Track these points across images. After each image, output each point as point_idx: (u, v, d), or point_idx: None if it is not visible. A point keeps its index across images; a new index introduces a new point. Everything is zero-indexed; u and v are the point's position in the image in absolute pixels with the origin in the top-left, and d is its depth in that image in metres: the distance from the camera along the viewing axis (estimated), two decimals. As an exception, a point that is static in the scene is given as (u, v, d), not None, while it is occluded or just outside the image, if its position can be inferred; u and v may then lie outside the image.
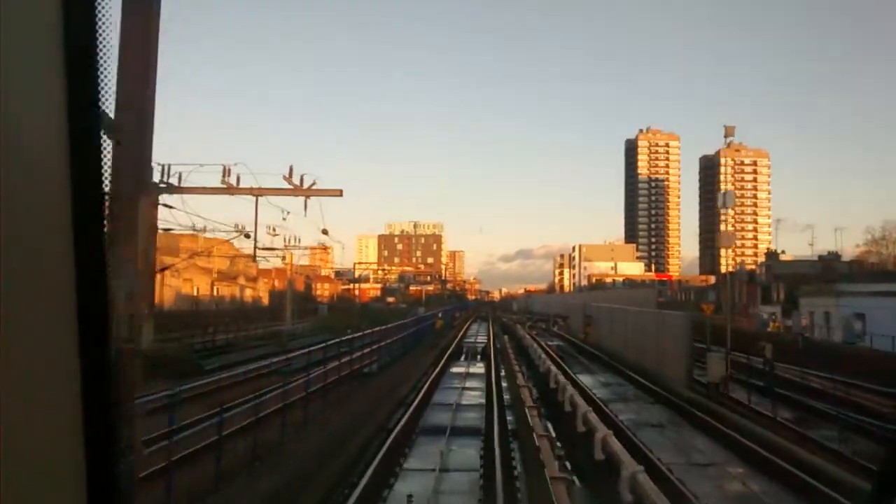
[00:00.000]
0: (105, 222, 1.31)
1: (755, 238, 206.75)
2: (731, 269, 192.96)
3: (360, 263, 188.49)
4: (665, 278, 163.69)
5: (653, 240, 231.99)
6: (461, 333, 56.92)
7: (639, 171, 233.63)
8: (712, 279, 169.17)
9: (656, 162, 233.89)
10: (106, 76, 1.33)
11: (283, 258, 54.08)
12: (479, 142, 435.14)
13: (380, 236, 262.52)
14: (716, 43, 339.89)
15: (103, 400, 1.29)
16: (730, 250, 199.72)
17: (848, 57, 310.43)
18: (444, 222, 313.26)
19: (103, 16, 1.30)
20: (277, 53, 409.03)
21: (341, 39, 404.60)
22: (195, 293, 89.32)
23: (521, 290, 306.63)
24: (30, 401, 1.19)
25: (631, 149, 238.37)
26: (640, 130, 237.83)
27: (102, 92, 1.31)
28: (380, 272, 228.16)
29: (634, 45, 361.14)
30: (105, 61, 1.31)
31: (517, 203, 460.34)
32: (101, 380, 1.28)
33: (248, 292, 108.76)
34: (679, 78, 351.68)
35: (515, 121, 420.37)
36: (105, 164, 1.32)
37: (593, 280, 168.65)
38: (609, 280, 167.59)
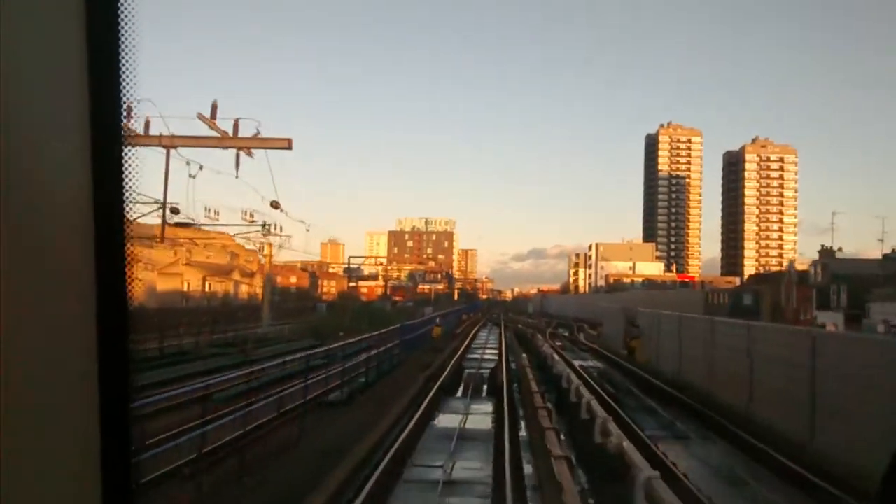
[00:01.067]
0: (125, 222, 1.32)
1: (780, 238, 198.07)
2: (757, 270, 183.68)
3: (368, 258, 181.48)
4: (687, 279, 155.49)
5: (672, 239, 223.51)
6: (465, 345, 42.99)
7: (659, 168, 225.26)
8: (737, 280, 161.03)
9: (677, 158, 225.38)
10: (127, 76, 1.32)
11: (261, 249, 46.79)
12: (492, 138, 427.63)
13: (390, 232, 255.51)
14: (741, 35, 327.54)
15: (120, 399, 1.30)
16: (755, 251, 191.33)
17: (881, 50, 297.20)
18: (455, 219, 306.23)
19: (125, 17, 1.30)
20: (286, 43, 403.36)
21: (352, 30, 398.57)
22: (186, 289, 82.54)
23: (534, 290, 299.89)
24: (48, 399, 1.20)
25: (651, 144, 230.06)
26: (661, 125, 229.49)
27: (123, 91, 1.31)
28: (389, 269, 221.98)
29: (656, 37, 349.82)
30: (126, 63, 1.31)
31: (531, 201, 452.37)
32: (117, 379, 1.29)
33: (244, 289, 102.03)
34: (703, 71, 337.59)
35: (530, 116, 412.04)
36: (126, 163, 1.33)
37: (611, 280, 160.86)
38: (627, 280, 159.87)
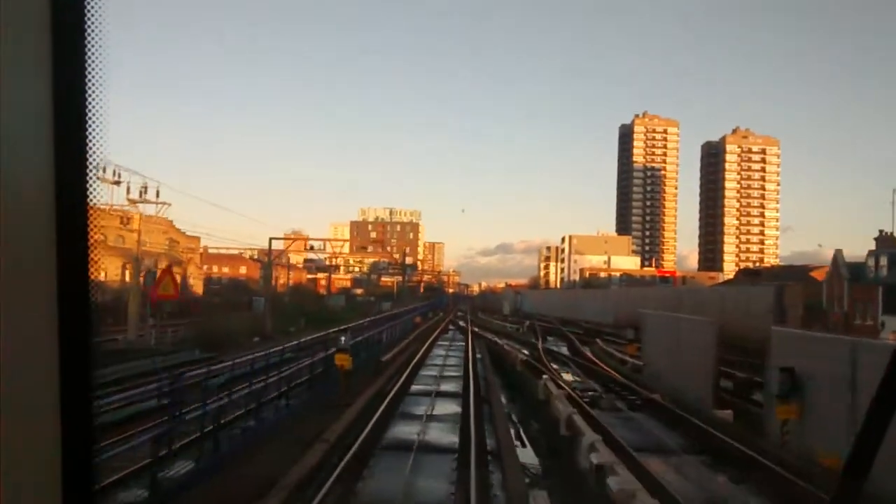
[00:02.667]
0: (88, 216, 1.30)
1: (762, 234, 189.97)
2: (737, 265, 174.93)
3: (329, 240, 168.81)
4: (668, 274, 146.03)
5: (647, 233, 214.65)
6: (405, 376, 25.94)
7: (634, 160, 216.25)
8: (719, 276, 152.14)
9: (653, 150, 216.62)
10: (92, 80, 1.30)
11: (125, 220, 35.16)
12: (458, 128, 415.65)
13: (352, 223, 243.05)
14: (720, 22, 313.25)
15: (82, 396, 1.28)
16: (734, 246, 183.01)
17: (867, 36, 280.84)
18: (421, 210, 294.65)
19: (91, 19, 1.29)
20: (241, 28, 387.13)
21: (310, 11, 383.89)
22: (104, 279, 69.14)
23: (502, 284, 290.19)
24: (9, 395, 1.19)
25: (626, 135, 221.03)
26: (636, 115, 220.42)
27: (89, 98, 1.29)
28: (352, 261, 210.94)
29: (631, 23, 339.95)
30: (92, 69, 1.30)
31: (499, 195, 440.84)
32: (80, 376, 1.27)
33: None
34: (680, 60, 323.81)
35: (499, 106, 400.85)
36: (90, 162, 1.31)
37: (586, 274, 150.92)
38: (604, 275, 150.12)
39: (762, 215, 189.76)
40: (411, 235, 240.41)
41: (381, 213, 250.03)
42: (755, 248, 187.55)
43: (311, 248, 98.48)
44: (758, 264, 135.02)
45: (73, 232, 1.25)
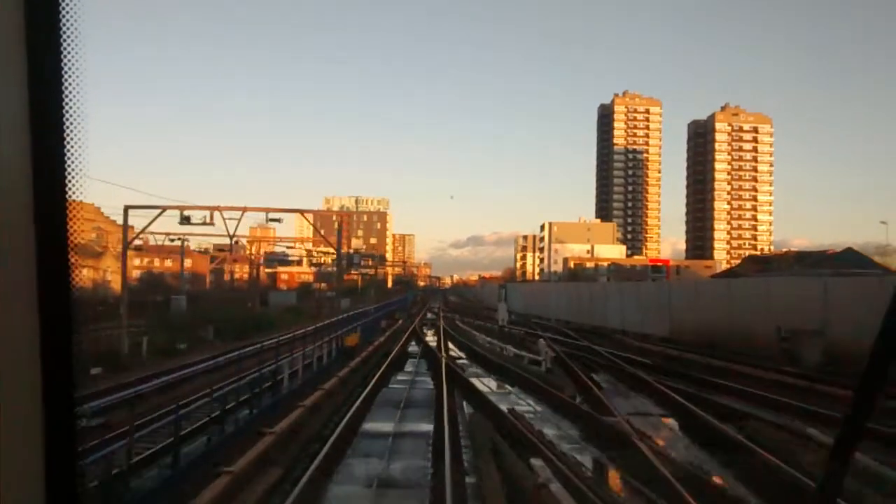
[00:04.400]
0: (68, 219, 1.29)
1: (754, 219, 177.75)
2: (728, 253, 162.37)
3: (295, 240, 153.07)
4: (661, 263, 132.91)
5: (629, 220, 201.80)
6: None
7: (614, 142, 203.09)
8: (715, 264, 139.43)
9: (634, 131, 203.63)
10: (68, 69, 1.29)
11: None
12: (426, 116, 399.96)
13: (315, 212, 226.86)
14: None
15: (65, 400, 1.27)
16: (725, 233, 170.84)
17: (864, 7, 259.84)
18: (389, 198, 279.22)
19: (67, 22, 1.29)
20: (207, 13, 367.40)
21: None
22: None
23: (475, 277, 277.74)
24: None
25: (605, 116, 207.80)
26: (616, 95, 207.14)
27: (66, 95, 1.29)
28: (315, 253, 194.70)
29: None
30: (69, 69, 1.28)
31: (470, 186, 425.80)
32: (62, 379, 1.26)
33: (87, 273, 73.37)
34: (663, 33, 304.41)
35: (466, 90, 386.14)
36: (69, 162, 1.30)
37: (570, 265, 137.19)
38: (591, 265, 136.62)
39: (755, 199, 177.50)
40: (379, 225, 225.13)
41: (346, 202, 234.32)
42: (747, 234, 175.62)
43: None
44: (765, 251, 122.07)
45: (52, 236, 1.22)
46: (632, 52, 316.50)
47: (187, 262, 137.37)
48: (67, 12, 1.25)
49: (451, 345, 33.11)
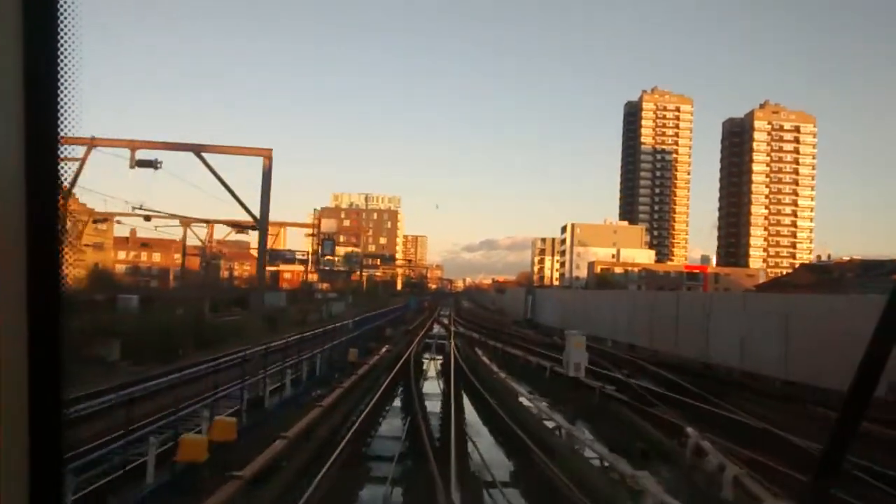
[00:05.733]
0: (60, 217, 1.28)
1: (794, 225, 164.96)
2: (765, 261, 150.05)
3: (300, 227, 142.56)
4: (697, 270, 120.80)
5: (654, 224, 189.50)
6: None
7: (642, 141, 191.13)
8: (758, 273, 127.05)
9: (663, 130, 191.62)
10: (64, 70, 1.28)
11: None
12: (442, 115, 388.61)
13: (323, 209, 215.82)
14: None
15: (52, 401, 1.26)
16: (762, 240, 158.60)
17: None
18: (400, 196, 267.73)
19: (64, 13, 1.28)
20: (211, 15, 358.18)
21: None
22: None
23: (489, 281, 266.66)
24: None
25: (632, 114, 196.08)
26: (645, 92, 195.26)
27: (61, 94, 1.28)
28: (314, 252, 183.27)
29: None
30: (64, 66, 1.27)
31: (485, 189, 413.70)
32: (50, 379, 1.25)
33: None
34: (695, 25, 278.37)
35: (484, 87, 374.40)
36: (58, 168, 1.29)
37: (597, 269, 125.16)
38: (619, 270, 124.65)
39: (795, 203, 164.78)
40: (389, 224, 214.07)
41: (356, 199, 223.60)
42: (786, 241, 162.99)
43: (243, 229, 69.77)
44: (822, 258, 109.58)
45: (43, 234, 1.22)
46: (661, 46, 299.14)
47: (176, 257, 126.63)
48: (65, 17, 1.23)
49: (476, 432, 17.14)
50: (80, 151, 38.23)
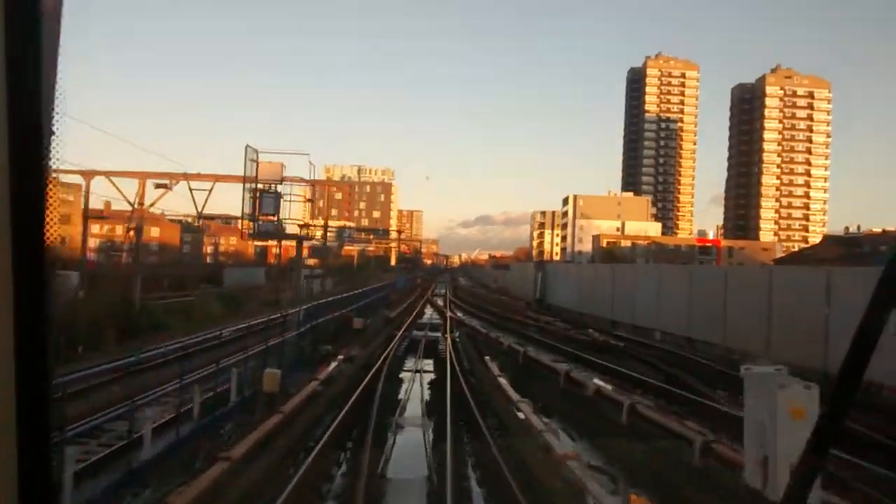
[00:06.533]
0: (45, 199, 1.26)
1: (806, 196, 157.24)
2: (776, 234, 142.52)
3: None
4: (710, 243, 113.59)
5: (658, 195, 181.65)
6: None
7: (646, 109, 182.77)
8: (775, 245, 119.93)
9: (668, 97, 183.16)
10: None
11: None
12: (437, 85, 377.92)
13: (313, 181, 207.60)
14: None
15: (39, 386, 1.25)
16: (773, 211, 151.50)
17: None
18: (394, 168, 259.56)
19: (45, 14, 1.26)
20: None
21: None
22: None
23: (485, 256, 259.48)
24: None
25: (635, 80, 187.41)
26: (648, 58, 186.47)
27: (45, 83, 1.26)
28: (311, 226, 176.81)
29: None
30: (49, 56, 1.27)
31: (481, 164, 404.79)
32: (36, 363, 1.24)
33: None
34: None
35: (478, 52, 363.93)
36: (46, 146, 1.28)
37: (603, 242, 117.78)
38: (626, 244, 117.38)
39: (808, 174, 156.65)
40: (383, 197, 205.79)
41: (348, 171, 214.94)
42: (798, 213, 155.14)
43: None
44: (851, 231, 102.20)
45: (28, 225, 1.21)
46: (665, 9, 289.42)
47: (155, 231, 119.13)
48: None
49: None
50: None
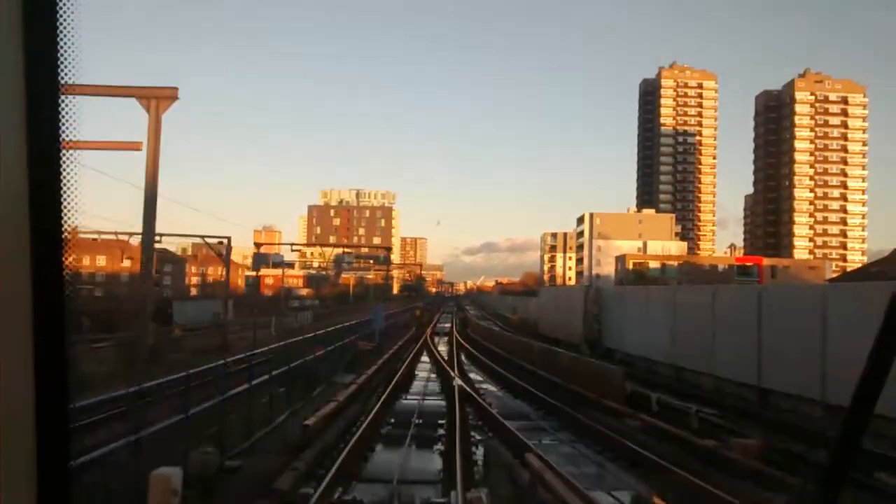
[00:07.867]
0: (63, 218, 1.27)
1: (843, 210, 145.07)
2: (811, 252, 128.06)
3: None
4: (751, 262, 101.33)
5: (678, 215, 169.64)
6: None
7: (661, 122, 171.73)
8: (824, 268, 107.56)
9: (685, 109, 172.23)
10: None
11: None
12: (442, 112, 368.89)
13: (310, 207, 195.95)
14: None
15: (58, 397, 1.25)
16: (807, 227, 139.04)
17: None
18: (396, 192, 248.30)
19: (65, 19, 1.27)
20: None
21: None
22: None
23: (491, 283, 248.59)
24: None
25: (649, 92, 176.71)
26: (663, 68, 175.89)
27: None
28: (309, 254, 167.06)
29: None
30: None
31: (486, 191, 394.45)
32: (55, 377, 1.25)
33: None
34: None
35: (483, 74, 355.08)
36: (62, 156, 1.28)
37: (629, 264, 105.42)
38: (655, 265, 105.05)
39: (844, 186, 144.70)
40: (383, 222, 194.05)
41: (346, 195, 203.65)
42: (835, 228, 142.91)
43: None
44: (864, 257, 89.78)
45: (47, 233, 1.21)
46: (679, 17, 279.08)
47: (126, 262, 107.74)
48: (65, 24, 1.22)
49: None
50: None
